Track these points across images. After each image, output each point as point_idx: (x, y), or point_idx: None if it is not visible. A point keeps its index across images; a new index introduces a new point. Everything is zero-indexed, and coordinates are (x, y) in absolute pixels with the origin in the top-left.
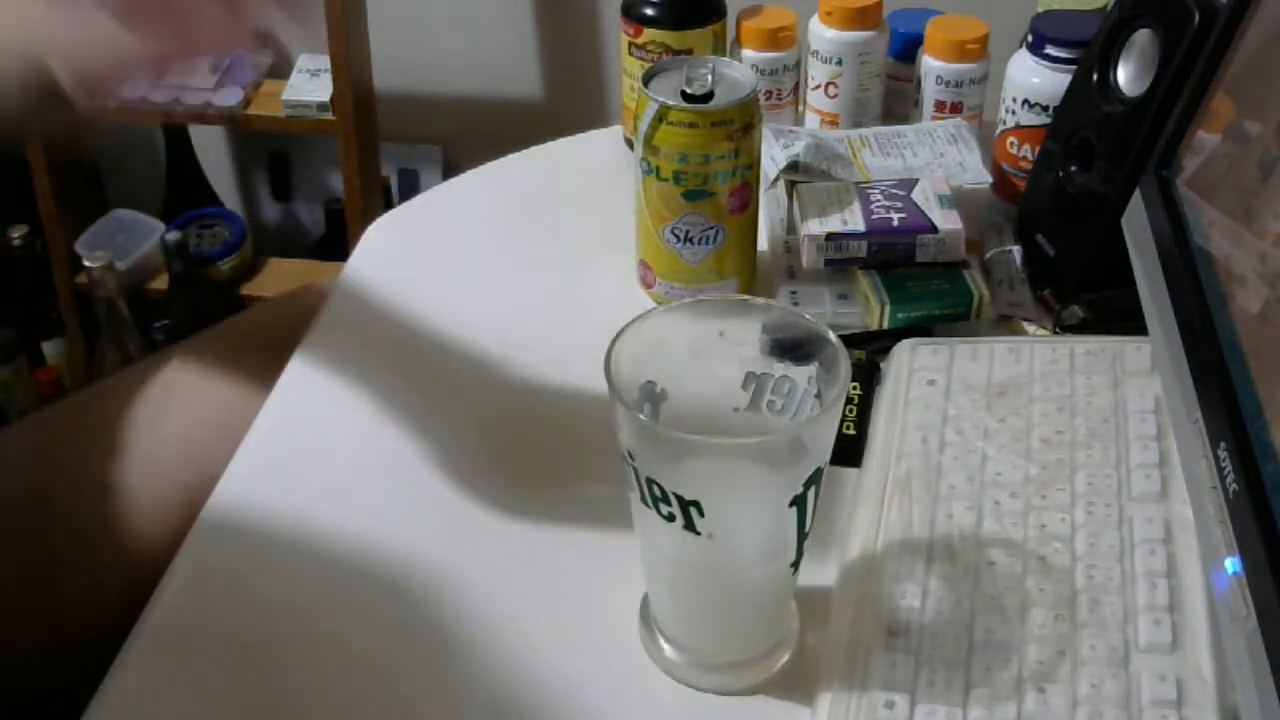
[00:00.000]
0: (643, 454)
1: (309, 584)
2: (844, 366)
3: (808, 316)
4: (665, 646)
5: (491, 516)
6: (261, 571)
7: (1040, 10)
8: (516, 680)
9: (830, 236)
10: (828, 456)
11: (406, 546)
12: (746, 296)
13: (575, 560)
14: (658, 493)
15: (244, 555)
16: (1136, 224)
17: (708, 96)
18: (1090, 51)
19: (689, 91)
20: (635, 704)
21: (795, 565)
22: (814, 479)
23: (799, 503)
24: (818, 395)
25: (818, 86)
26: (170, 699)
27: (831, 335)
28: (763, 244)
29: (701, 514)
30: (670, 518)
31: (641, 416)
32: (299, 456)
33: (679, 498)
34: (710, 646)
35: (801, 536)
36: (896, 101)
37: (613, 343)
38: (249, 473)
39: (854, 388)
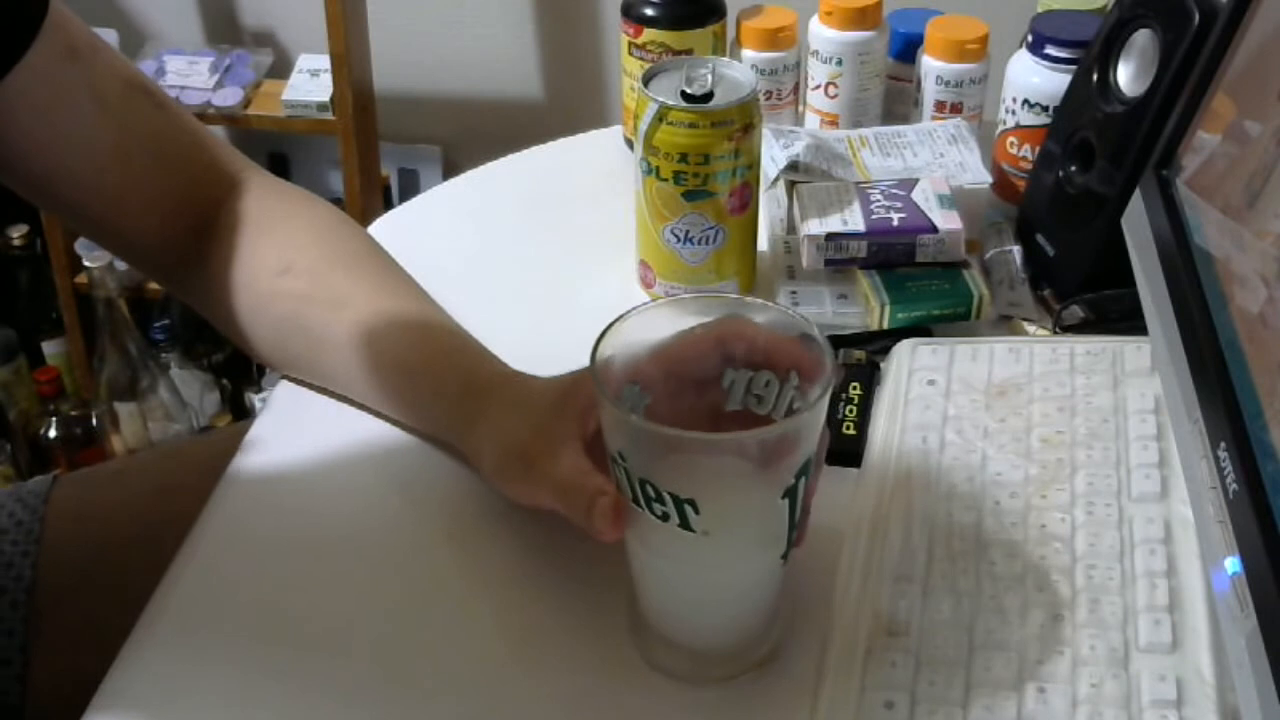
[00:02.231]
0: (634, 454)
1: (307, 585)
2: (827, 359)
3: (790, 311)
4: (657, 644)
5: (488, 515)
6: (258, 577)
7: (1040, 10)
8: (514, 678)
9: (830, 236)
10: (815, 442)
11: (402, 547)
12: (730, 294)
13: (571, 559)
14: (651, 493)
15: (242, 558)
16: (1136, 224)
17: (708, 96)
18: (1090, 51)
19: (689, 91)
20: (632, 702)
21: (785, 556)
22: (804, 469)
23: (790, 494)
24: (798, 387)
25: (818, 86)
26: (168, 699)
27: (812, 327)
28: (763, 244)
29: (697, 511)
30: (664, 517)
31: (633, 417)
32: (296, 457)
33: (674, 497)
34: (702, 641)
35: (792, 527)
36: (896, 101)
37: (596, 344)
38: (248, 475)
39: (854, 388)
